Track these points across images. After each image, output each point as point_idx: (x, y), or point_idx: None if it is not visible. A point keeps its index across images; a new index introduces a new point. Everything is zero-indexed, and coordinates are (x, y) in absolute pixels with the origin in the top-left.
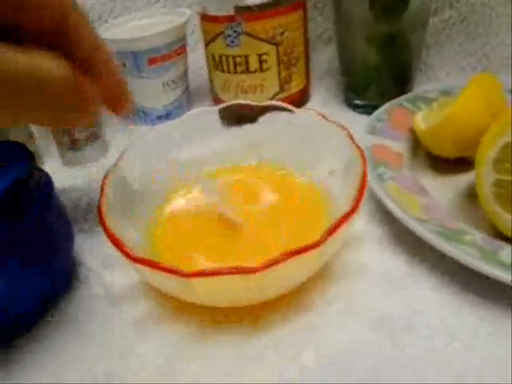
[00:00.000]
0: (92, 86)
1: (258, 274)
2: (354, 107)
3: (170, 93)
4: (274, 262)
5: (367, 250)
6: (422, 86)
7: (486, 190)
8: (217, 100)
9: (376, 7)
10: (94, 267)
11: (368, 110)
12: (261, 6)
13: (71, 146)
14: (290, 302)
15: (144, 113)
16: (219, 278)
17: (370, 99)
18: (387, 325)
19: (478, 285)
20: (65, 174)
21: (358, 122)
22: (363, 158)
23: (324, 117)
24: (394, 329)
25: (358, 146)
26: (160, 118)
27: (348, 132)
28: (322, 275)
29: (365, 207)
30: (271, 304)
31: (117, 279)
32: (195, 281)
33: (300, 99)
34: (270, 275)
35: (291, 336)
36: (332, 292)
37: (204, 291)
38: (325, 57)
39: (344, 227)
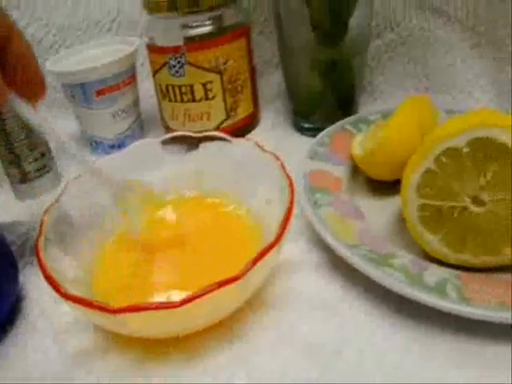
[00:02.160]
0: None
1: (179, 308)
2: (302, 130)
3: (120, 122)
4: (194, 297)
5: (303, 277)
6: (368, 106)
7: (412, 214)
8: (167, 128)
9: (317, 33)
10: (39, 300)
11: (315, 132)
12: (203, 36)
13: (21, 178)
14: (222, 331)
15: (96, 142)
16: (144, 313)
17: (317, 122)
18: (319, 352)
19: (409, 307)
20: (17, 207)
21: (305, 145)
22: (291, 188)
23: (259, 146)
24: (325, 356)
25: (288, 176)
26: (113, 147)
27: (281, 162)
28: (255, 304)
29: (303, 235)
30: (204, 333)
31: (61, 312)
32: (122, 316)
33: (248, 124)
34: (192, 309)
35: (223, 366)
36: (265, 320)
37: (132, 325)
38: (274, 81)
39: (267, 258)
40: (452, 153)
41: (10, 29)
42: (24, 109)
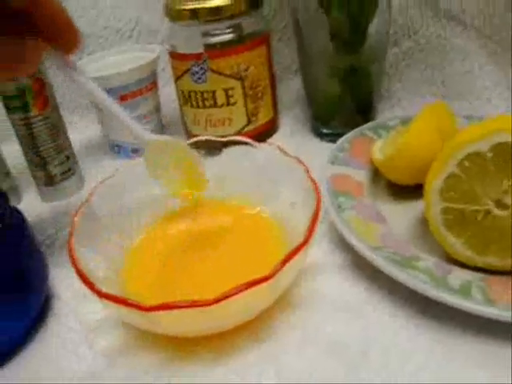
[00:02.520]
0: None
1: (212, 306)
2: (321, 136)
3: None
4: (226, 295)
5: (327, 279)
6: (386, 113)
7: (435, 218)
8: (188, 133)
9: (336, 41)
10: (68, 300)
11: (334, 138)
12: (224, 44)
13: (47, 181)
14: (250, 330)
15: (118, 147)
16: (176, 311)
17: (335, 128)
18: (344, 352)
19: (433, 308)
20: (43, 209)
21: (325, 150)
22: (317, 191)
23: (282, 151)
24: (350, 356)
25: (312, 180)
26: (135, 151)
27: (305, 166)
28: (281, 304)
29: (327, 237)
30: (233, 333)
31: (90, 311)
32: (155, 314)
33: (268, 130)
34: (223, 308)
35: (252, 364)
36: (291, 320)
37: (164, 324)
38: (293, 87)
39: (296, 259)
40: (475, 157)
41: None
42: None
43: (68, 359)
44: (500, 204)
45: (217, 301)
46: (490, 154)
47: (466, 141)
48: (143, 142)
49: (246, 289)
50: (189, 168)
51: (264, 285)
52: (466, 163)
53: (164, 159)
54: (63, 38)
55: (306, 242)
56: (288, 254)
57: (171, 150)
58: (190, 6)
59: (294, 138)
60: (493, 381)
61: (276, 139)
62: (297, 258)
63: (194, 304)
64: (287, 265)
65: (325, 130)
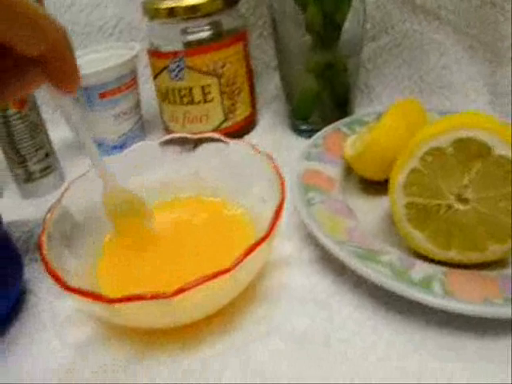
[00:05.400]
0: None
1: (172, 298)
2: (299, 132)
3: (122, 124)
4: (186, 287)
5: (296, 272)
6: (365, 108)
7: (399, 212)
8: (167, 130)
9: (312, 37)
10: (42, 295)
11: (312, 134)
12: (201, 41)
13: (26, 178)
14: (217, 322)
15: (99, 144)
16: (138, 303)
17: (314, 124)
18: (308, 343)
19: (397, 301)
20: (23, 206)
21: (302, 146)
22: (283, 186)
23: (254, 148)
24: (314, 347)
25: (280, 176)
26: (115, 148)
27: (274, 162)
28: (249, 297)
29: (298, 231)
30: (201, 324)
31: (63, 306)
32: (118, 306)
33: (246, 126)
34: (184, 300)
35: (218, 354)
36: (258, 313)
37: (127, 316)
38: (272, 83)
39: (257, 252)
40: (436, 152)
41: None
42: None
43: (41, 353)
44: (461, 199)
45: (177, 293)
46: (450, 150)
47: (428, 136)
48: (106, 187)
49: (206, 281)
50: (140, 221)
51: (225, 277)
52: (428, 158)
53: (121, 207)
54: (65, 80)
55: (267, 235)
56: (249, 247)
57: (129, 202)
58: (167, 4)
59: (272, 134)
60: (454, 372)
61: (254, 135)
62: (258, 250)
63: (154, 296)
64: (248, 257)
65: (303, 126)
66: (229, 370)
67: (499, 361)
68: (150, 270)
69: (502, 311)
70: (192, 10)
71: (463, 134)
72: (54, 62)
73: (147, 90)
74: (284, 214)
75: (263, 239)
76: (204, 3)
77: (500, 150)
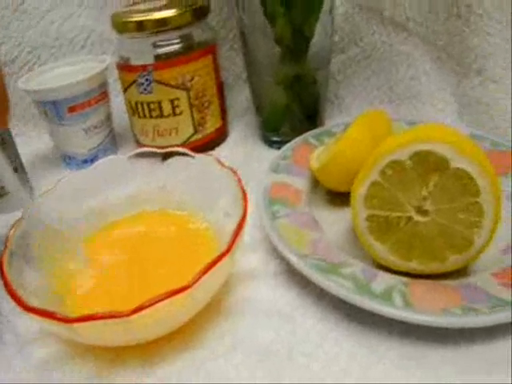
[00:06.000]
0: None
1: (129, 317)
2: (270, 144)
3: (93, 138)
4: (144, 306)
5: (261, 286)
6: (335, 119)
7: (361, 225)
8: (138, 143)
9: (280, 49)
10: (5, 313)
11: (283, 145)
12: (169, 55)
13: None
14: (179, 338)
15: (69, 158)
16: (95, 322)
17: (284, 135)
18: (272, 357)
19: (359, 313)
20: None
21: (271, 158)
22: (245, 201)
23: (219, 162)
24: (277, 360)
25: (242, 189)
26: (86, 161)
27: (237, 177)
28: (212, 312)
29: (263, 245)
30: (163, 341)
31: (25, 324)
32: (74, 326)
33: (216, 138)
34: (142, 318)
35: (179, 371)
36: (222, 328)
37: (86, 335)
38: (244, 95)
39: (217, 269)
40: (396, 165)
41: None
42: None
43: (3, 372)
44: (421, 211)
45: (133, 312)
46: (409, 163)
47: (387, 150)
48: None
49: (164, 299)
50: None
51: (183, 294)
52: (388, 171)
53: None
54: None
55: (226, 252)
56: (208, 264)
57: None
58: (136, 18)
59: (242, 146)
60: (416, 381)
61: (225, 147)
62: (218, 266)
63: (111, 315)
64: (208, 274)
65: (274, 138)
66: None
67: (461, 368)
68: (116, 284)
69: (461, 321)
70: (161, 23)
71: (421, 147)
72: None
73: (119, 102)
74: (251, 227)
75: (222, 256)
76: (172, 16)
77: (457, 163)
